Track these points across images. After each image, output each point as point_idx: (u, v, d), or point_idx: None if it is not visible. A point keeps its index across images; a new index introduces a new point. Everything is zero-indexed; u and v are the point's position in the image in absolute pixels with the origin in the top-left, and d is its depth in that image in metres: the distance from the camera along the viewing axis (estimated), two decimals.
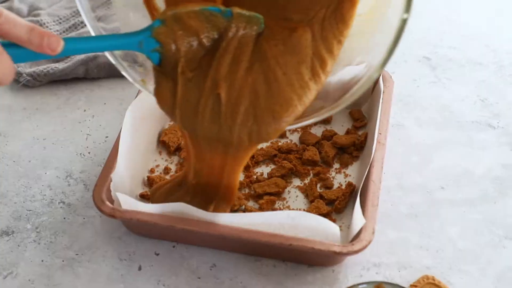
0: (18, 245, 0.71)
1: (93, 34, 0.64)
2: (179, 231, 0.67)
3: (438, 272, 0.68)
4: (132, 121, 0.73)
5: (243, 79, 0.62)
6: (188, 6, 0.61)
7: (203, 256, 0.70)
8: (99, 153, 0.80)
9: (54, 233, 0.72)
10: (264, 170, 0.78)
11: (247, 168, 0.77)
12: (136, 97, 0.76)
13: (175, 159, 0.79)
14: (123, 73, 0.67)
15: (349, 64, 0.64)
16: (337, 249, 0.64)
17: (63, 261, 0.70)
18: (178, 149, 0.79)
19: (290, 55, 0.62)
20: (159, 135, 0.80)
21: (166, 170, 0.77)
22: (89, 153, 0.80)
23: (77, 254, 0.70)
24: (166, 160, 0.79)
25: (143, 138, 0.76)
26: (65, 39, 0.57)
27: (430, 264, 0.69)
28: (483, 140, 0.81)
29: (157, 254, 0.70)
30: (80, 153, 0.80)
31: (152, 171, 0.77)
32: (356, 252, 0.64)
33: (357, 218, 0.65)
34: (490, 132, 0.82)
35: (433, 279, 0.67)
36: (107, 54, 0.65)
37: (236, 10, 0.61)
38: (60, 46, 0.56)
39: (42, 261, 0.70)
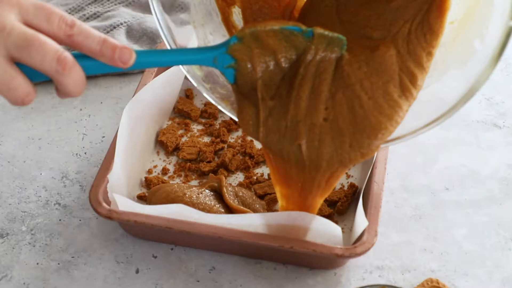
0: (13, 248, 0.71)
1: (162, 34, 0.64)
2: (177, 233, 0.66)
3: (443, 276, 0.68)
4: (129, 121, 0.72)
5: (325, 117, 0.61)
6: (268, 24, 0.60)
7: (201, 259, 0.70)
8: (96, 153, 0.80)
9: (50, 235, 0.72)
10: (264, 170, 0.77)
11: (247, 169, 0.77)
12: (133, 96, 0.76)
13: (173, 159, 0.79)
14: (205, 95, 0.67)
15: (444, 74, 0.61)
16: (339, 251, 0.64)
17: (58, 264, 0.70)
18: (176, 149, 0.79)
19: (375, 76, 0.60)
20: (157, 135, 0.80)
21: (164, 171, 0.77)
22: (85, 153, 0.80)
23: (73, 257, 0.70)
24: (164, 161, 0.79)
25: (140, 138, 0.76)
26: (137, 52, 0.57)
27: (434, 267, 0.69)
28: (489, 140, 0.81)
29: (155, 257, 0.70)
30: (76, 154, 0.80)
31: (149, 171, 0.77)
32: (359, 254, 0.64)
33: (360, 220, 0.65)
34: (496, 132, 0.82)
35: (438, 283, 0.66)
36: (188, 76, 0.65)
37: (318, 30, 0.60)
38: (132, 59, 0.56)
39: (37, 264, 0.70)
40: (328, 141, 0.61)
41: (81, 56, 0.56)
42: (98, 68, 0.57)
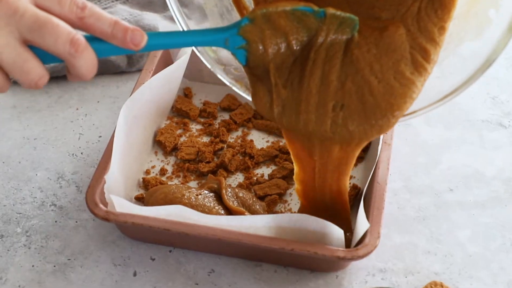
0: (8, 250, 0.71)
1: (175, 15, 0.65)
2: (175, 235, 0.66)
3: (447, 278, 0.68)
4: (126, 120, 0.72)
5: (334, 112, 0.63)
6: (280, 5, 0.61)
7: (200, 261, 0.70)
8: (92, 153, 0.80)
9: (45, 237, 0.72)
10: (264, 171, 0.77)
11: (247, 170, 0.77)
12: (130, 95, 0.75)
13: (172, 159, 0.78)
14: (220, 76, 0.68)
15: (459, 47, 0.62)
16: (341, 254, 0.64)
17: (54, 266, 0.70)
18: (174, 149, 0.79)
19: (385, 57, 0.61)
20: (155, 135, 0.80)
21: (162, 172, 0.77)
22: (81, 153, 0.80)
23: (69, 259, 0.70)
24: (162, 161, 0.78)
25: (138, 137, 0.76)
26: (149, 34, 0.57)
27: (438, 270, 0.69)
28: (494, 139, 0.81)
29: (153, 259, 0.70)
30: (72, 154, 0.80)
31: (147, 172, 0.77)
32: (361, 257, 0.64)
33: (361, 222, 0.65)
34: (501, 132, 0.82)
35: (442, 285, 0.66)
36: (202, 58, 0.66)
37: (330, 10, 0.61)
38: (143, 40, 0.57)
39: (33, 266, 0.70)
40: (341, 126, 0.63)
41: (93, 39, 0.57)
42: (110, 51, 0.57)
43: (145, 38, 0.57)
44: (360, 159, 0.77)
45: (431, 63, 0.61)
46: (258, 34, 0.61)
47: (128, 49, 0.57)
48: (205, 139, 0.81)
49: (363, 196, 0.69)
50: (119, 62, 0.88)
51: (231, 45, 0.62)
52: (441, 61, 0.62)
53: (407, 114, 0.64)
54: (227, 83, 0.68)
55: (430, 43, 0.61)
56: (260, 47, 0.62)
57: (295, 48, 0.62)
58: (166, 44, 0.61)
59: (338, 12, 0.61)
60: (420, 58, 0.61)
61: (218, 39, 0.62)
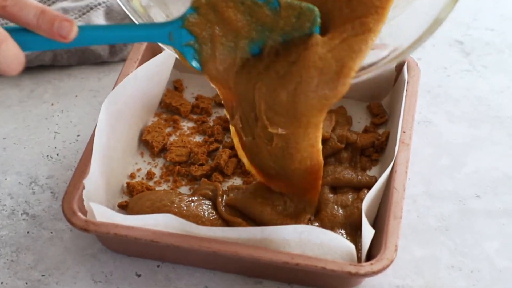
0: None
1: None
2: (164, 248, 0.66)
3: None
4: (108, 117, 0.72)
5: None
6: None
7: (193, 278, 0.70)
8: (70, 155, 0.80)
9: (16, 250, 0.72)
10: None
11: (245, 173, 0.77)
12: (113, 88, 0.75)
13: (160, 162, 0.78)
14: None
15: (410, 4, 0.65)
16: (353, 269, 0.64)
17: (26, 283, 0.70)
18: (163, 150, 0.79)
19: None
20: (141, 134, 0.80)
21: (149, 175, 0.77)
22: (57, 155, 0.80)
23: (43, 275, 0.70)
24: (149, 163, 0.78)
25: (121, 137, 0.76)
26: (81, 27, 0.58)
27: (463, 287, 0.69)
28: None
29: (139, 276, 0.70)
30: (47, 155, 0.80)
31: (132, 176, 0.77)
32: (376, 273, 0.64)
33: (365, 229, 0.65)
34: None
35: None
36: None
37: None
38: (72, 32, 0.57)
39: (2, 283, 0.70)
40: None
41: (19, 30, 0.57)
42: (37, 43, 0.58)
43: (75, 29, 0.57)
44: (374, 162, 0.77)
45: (380, 22, 0.63)
46: (206, 29, 0.62)
47: (56, 40, 0.57)
48: (198, 138, 0.81)
49: (379, 204, 0.70)
50: (100, 51, 0.88)
51: (176, 41, 0.62)
52: (391, 19, 0.64)
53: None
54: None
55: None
56: (209, 48, 0.62)
57: (247, 49, 0.63)
58: (100, 38, 0.61)
59: (295, 1, 0.61)
60: (368, 19, 0.62)
61: (161, 33, 0.62)
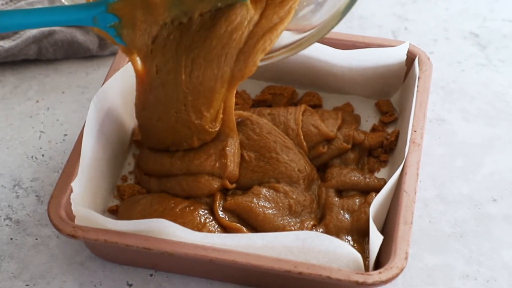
0: None
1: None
2: (157, 256, 0.66)
3: None
4: (98, 115, 0.73)
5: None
6: None
7: (188, 287, 0.70)
8: (56, 155, 0.80)
9: None
10: None
11: None
12: (102, 84, 0.75)
13: None
14: None
15: None
16: (360, 278, 0.64)
17: None
18: None
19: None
20: (133, 133, 0.80)
21: None
22: (42, 155, 0.80)
23: (27, 285, 0.70)
24: None
25: (112, 136, 0.76)
26: None
27: None
28: None
29: (130, 285, 0.70)
30: (32, 156, 0.80)
31: (123, 179, 0.77)
32: (385, 282, 0.64)
33: (373, 235, 0.65)
34: None
35: None
36: None
37: None
38: None
39: None
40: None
41: None
42: None
43: None
44: (383, 163, 0.77)
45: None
46: (132, 13, 0.64)
47: None
48: None
49: (388, 208, 0.70)
50: (88, 43, 0.88)
51: (101, 23, 0.64)
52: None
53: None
54: None
55: None
56: (131, 34, 0.65)
57: (171, 28, 0.66)
58: (21, 24, 0.62)
59: None
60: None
61: (84, 17, 0.63)
